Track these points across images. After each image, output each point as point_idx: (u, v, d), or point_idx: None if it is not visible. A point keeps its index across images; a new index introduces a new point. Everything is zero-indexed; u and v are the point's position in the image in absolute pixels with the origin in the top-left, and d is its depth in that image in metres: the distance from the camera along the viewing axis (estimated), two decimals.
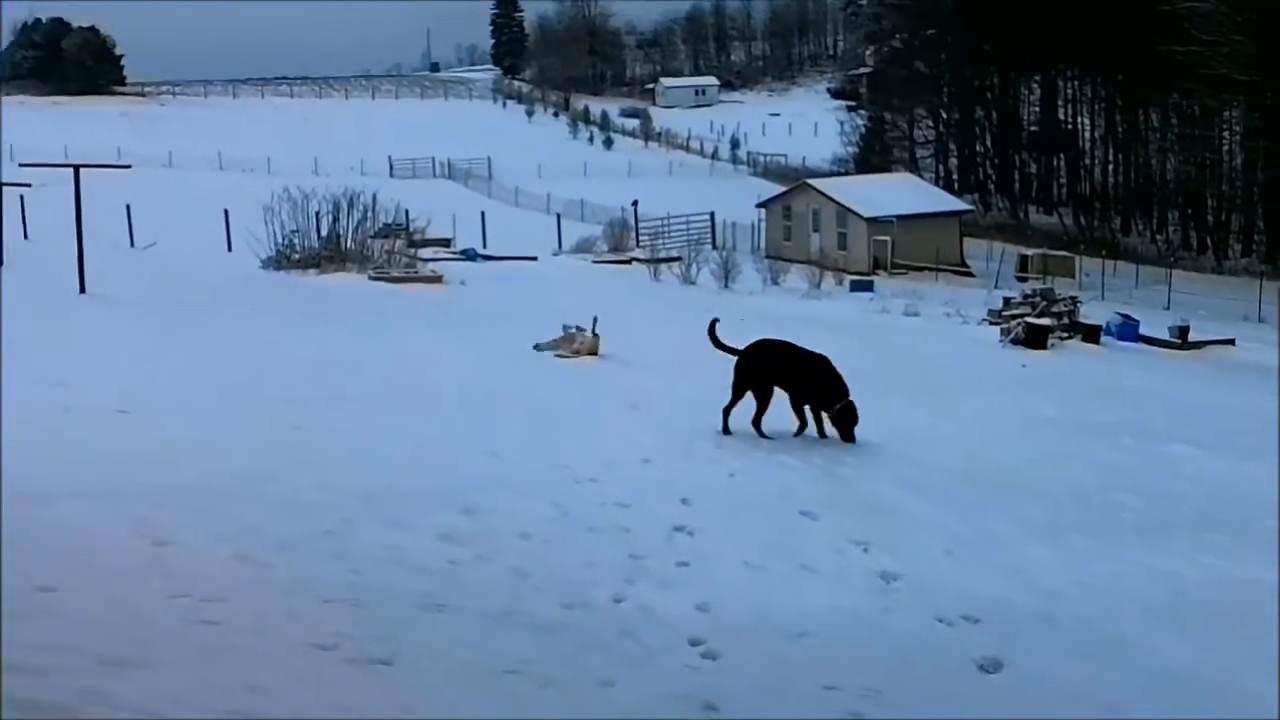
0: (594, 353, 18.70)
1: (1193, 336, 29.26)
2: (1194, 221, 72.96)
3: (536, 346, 18.97)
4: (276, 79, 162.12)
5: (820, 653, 6.66)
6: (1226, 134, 70.23)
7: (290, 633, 6.25)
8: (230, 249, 44.02)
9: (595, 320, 18.88)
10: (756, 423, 12.62)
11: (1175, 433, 14.88)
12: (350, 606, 6.77)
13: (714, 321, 13.29)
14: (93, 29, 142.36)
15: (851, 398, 12.51)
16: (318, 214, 35.72)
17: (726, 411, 12.74)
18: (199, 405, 12.21)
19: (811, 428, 12.70)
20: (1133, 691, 6.31)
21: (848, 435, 12.56)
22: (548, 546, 8.24)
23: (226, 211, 47.04)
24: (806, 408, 12.77)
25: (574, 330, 19.07)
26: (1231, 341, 30.44)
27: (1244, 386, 21.94)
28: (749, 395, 12.75)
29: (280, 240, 35.36)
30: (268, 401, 12.81)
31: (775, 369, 12.79)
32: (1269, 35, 58.04)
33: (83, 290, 23.43)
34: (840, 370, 12.69)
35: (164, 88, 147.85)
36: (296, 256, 34.90)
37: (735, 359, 12.89)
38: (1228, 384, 22.17)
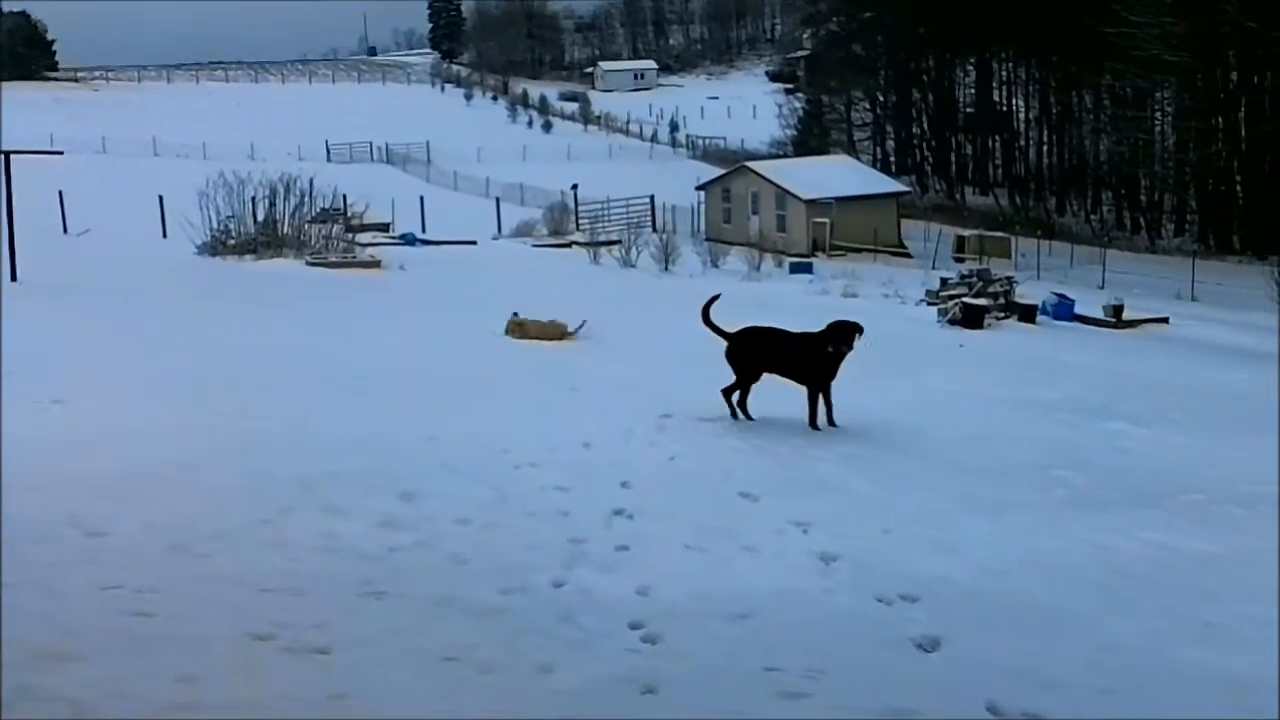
0: (561, 337, 19.07)
1: (1128, 315, 29.50)
2: (1127, 201, 73.73)
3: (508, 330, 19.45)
4: (211, 64, 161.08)
5: (761, 634, 6.65)
6: (1159, 115, 70.92)
7: (226, 623, 6.20)
8: (165, 235, 43.65)
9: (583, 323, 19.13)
10: (729, 393, 12.57)
11: (1112, 409, 15.01)
12: (288, 595, 6.72)
13: (712, 299, 12.88)
14: (24, 14, 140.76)
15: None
16: (254, 199, 35.46)
17: (728, 394, 12.64)
18: (134, 393, 12.08)
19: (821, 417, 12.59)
20: (1070, 666, 6.35)
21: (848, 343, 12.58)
22: (487, 532, 8.20)
23: (161, 197, 46.58)
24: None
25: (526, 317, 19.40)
26: (1166, 320, 30.71)
27: (1178, 363, 22.18)
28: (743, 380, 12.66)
29: (216, 226, 35.07)
30: (205, 389, 12.70)
31: (768, 355, 12.68)
32: (1198, 16, 58.55)
33: (14, 278, 23.11)
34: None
35: (97, 73, 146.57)
36: (232, 242, 34.64)
37: (726, 346, 12.71)
38: (1162, 360, 22.39)
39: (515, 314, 19.62)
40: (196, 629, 6.11)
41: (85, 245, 38.14)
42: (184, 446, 9.79)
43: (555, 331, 19.33)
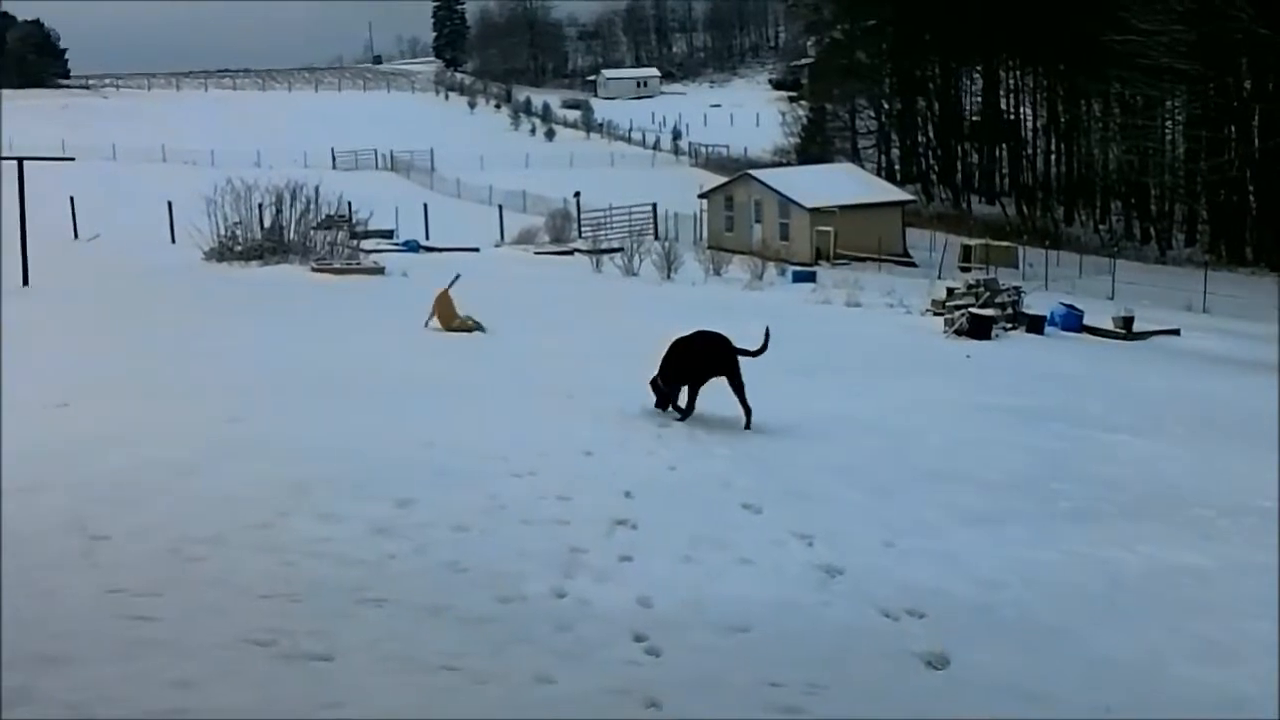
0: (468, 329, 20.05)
1: (1138, 326, 29.30)
2: (1137, 211, 73.43)
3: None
4: (219, 71, 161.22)
5: (763, 647, 6.61)
6: (1169, 124, 70.58)
7: (223, 628, 6.19)
8: (174, 241, 43.73)
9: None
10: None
11: (1112, 421, 14.97)
12: (285, 601, 6.71)
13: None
14: (37, 23, 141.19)
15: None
16: (260, 206, 35.63)
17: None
18: (135, 397, 12.10)
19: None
20: (1071, 682, 6.31)
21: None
22: (484, 539, 8.17)
23: (170, 203, 46.71)
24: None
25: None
26: (1177, 331, 30.45)
27: (1184, 374, 22.12)
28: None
29: (223, 232, 35.21)
30: (204, 392, 12.71)
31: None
32: (1209, 23, 58.28)
33: (26, 283, 23.29)
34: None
35: (107, 81, 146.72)
36: (239, 248, 34.79)
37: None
38: (1168, 372, 22.31)
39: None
40: (194, 634, 6.10)
41: (95, 251, 38.28)
42: (182, 450, 9.79)
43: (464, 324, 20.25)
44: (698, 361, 12.87)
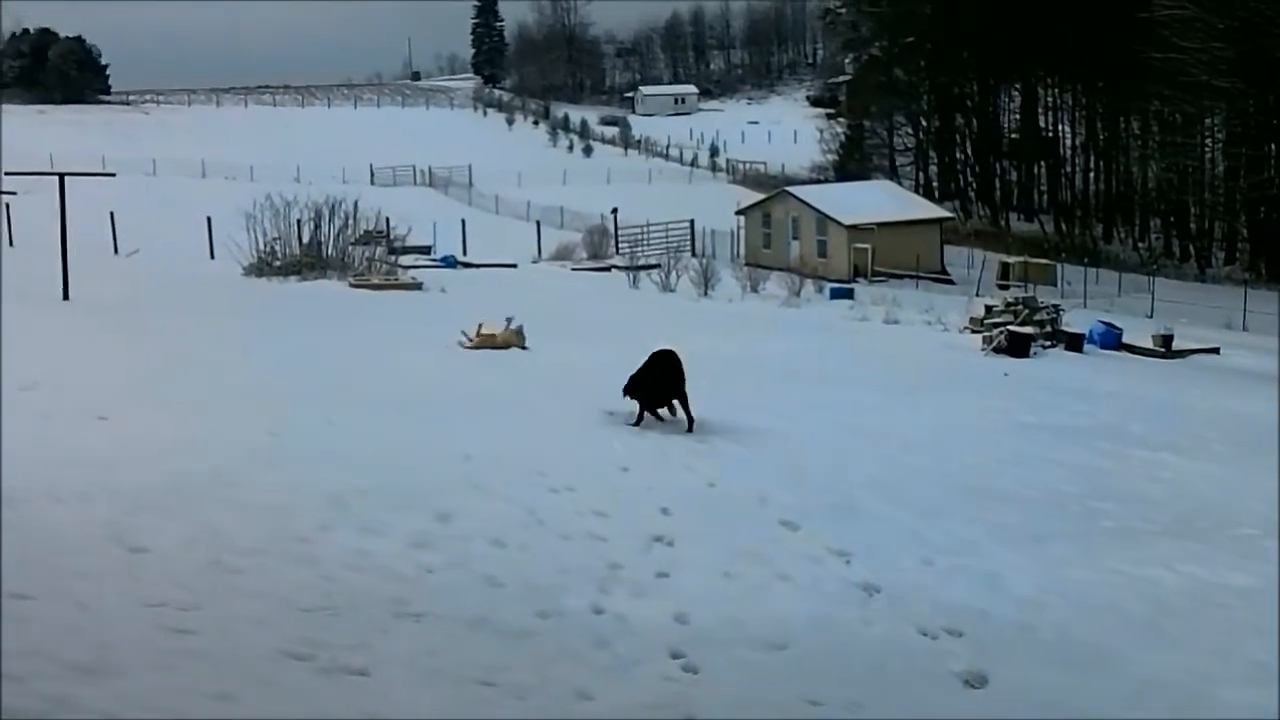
0: (510, 345, 19.66)
1: (1177, 344, 29.04)
2: (1176, 229, 72.87)
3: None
4: (259, 87, 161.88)
5: (802, 665, 6.60)
6: (1209, 141, 70.07)
7: (263, 640, 6.20)
8: (213, 256, 43.91)
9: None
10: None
11: (1154, 439, 14.86)
12: (324, 615, 6.71)
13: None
14: (79, 39, 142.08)
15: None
16: (299, 221, 35.71)
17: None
18: (174, 409, 12.14)
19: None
20: (1114, 704, 6.26)
21: None
22: (522, 554, 8.17)
23: (209, 219, 46.90)
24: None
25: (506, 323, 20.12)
26: (1216, 350, 30.16)
27: (1225, 393, 21.92)
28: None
29: (262, 247, 35.34)
30: (243, 405, 12.74)
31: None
32: (1249, 41, 57.88)
33: (66, 296, 23.42)
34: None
35: (148, 96, 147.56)
36: (278, 263, 34.87)
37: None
38: (1208, 391, 22.12)
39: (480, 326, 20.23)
40: (233, 646, 6.10)
41: (135, 265, 38.46)
42: (221, 461, 9.82)
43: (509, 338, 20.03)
44: (655, 379, 13.44)
